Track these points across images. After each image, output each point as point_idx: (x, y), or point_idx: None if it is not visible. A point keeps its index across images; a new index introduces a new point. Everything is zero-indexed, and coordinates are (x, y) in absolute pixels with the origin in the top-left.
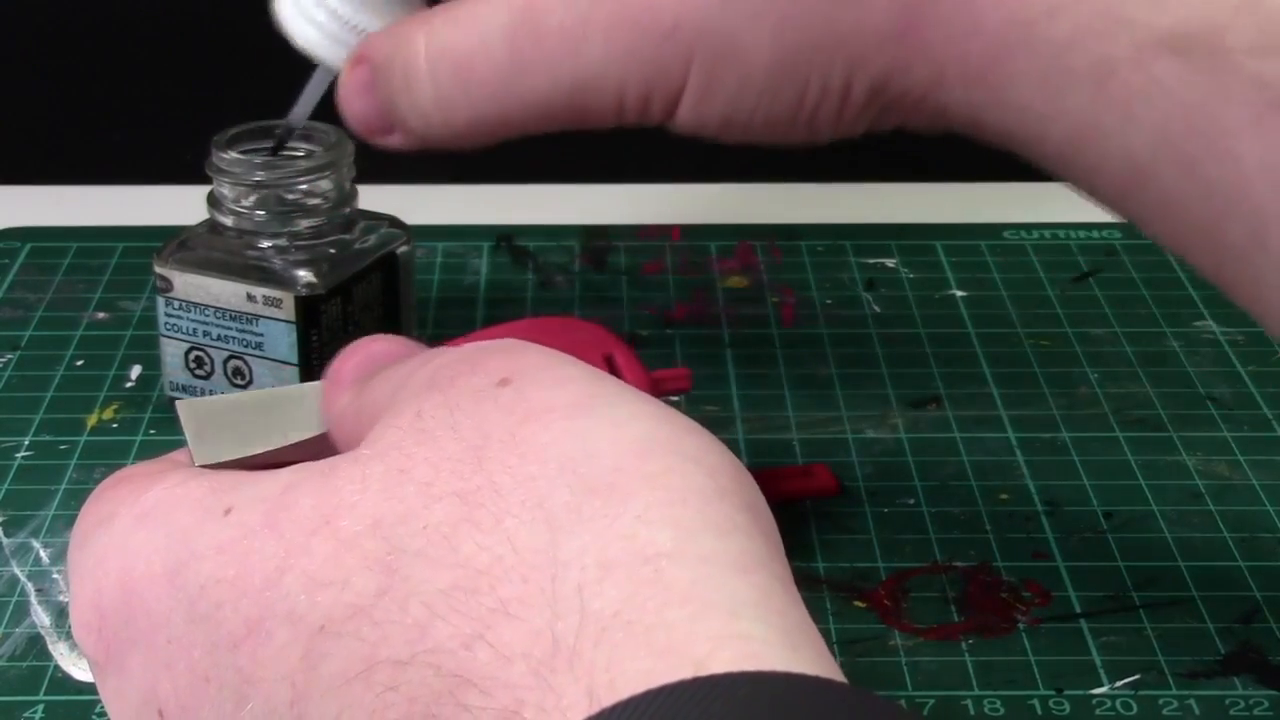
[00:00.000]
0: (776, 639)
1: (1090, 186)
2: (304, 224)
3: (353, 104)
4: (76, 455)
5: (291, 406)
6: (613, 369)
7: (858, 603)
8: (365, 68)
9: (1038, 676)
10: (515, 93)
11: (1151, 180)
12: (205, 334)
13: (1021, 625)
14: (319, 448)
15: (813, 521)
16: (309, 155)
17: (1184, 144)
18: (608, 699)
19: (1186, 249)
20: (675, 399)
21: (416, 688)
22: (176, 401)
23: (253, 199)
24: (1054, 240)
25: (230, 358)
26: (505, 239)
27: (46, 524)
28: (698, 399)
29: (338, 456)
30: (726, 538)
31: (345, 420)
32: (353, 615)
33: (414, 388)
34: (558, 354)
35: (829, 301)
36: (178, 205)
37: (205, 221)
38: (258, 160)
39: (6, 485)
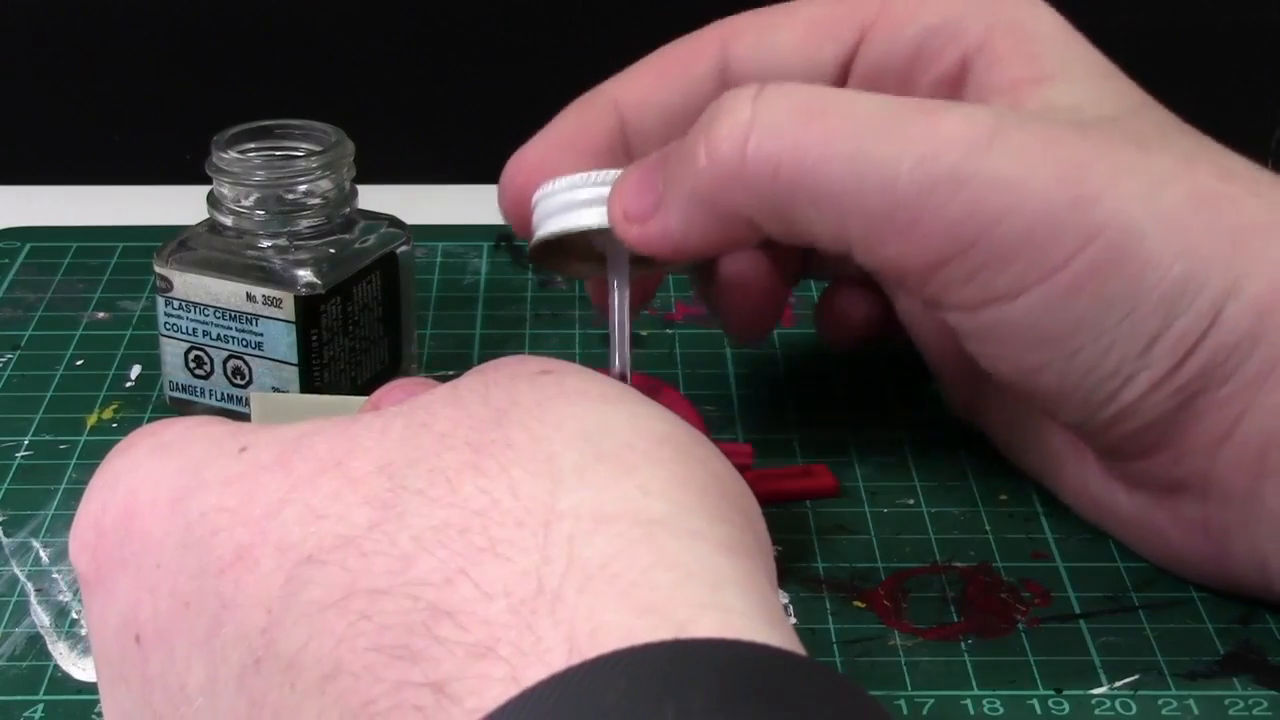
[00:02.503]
0: (756, 615)
1: None
2: (304, 224)
3: (629, 197)
4: (76, 455)
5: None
6: None
7: (857, 603)
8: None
9: (1037, 676)
10: None
11: None
12: (205, 334)
13: (1021, 625)
14: None
15: (813, 521)
16: (309, 155)
17: None
18: (589, 649)
19: None
20: None
21: (391, 617)
22: (251, 395)
23: (253, 199)
24: None
25: (230, 357)
26: (505, 239)
27: (46, 524)
28: (698, 399)
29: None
30: (718, 524)
31: None
32: (341, 545)
33: None
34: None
35: None
36: (178, 205)
37: (205, 221)
38: (258, 160)
39: (6, 485)
